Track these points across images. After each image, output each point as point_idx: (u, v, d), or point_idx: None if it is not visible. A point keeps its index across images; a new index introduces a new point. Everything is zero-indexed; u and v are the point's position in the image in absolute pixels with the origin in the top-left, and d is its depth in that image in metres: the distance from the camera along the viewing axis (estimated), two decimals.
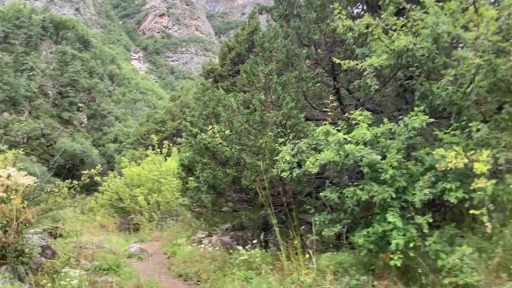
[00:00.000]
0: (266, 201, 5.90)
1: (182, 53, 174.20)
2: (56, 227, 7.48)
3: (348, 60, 5.79)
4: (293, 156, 5.19)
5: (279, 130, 5.79)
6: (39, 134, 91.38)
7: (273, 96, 6.12)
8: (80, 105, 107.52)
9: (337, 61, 5.94)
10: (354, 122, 5.19)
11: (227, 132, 6.75)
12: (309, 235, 5.13)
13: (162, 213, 10.60)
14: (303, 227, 6.22)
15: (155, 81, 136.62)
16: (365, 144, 4.87)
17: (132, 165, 13.01)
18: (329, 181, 5.31)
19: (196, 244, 7.33)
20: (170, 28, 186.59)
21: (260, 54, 6.85)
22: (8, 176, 4.24)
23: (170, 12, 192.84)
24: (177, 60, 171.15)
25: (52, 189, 5.68)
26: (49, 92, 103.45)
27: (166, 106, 33.94)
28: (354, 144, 4.84)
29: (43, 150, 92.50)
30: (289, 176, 5.17)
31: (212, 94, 9.84)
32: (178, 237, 8.18)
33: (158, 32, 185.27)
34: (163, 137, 28.04)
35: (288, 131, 5.89)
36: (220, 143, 6.71)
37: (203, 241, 7.26)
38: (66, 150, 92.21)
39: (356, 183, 4.99)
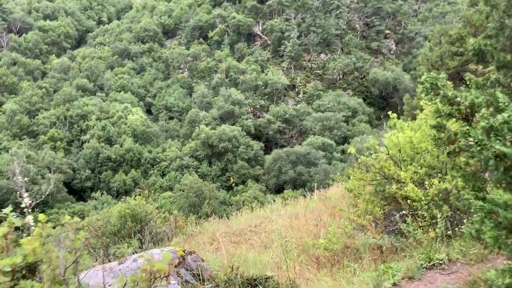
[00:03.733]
0: None
1: None
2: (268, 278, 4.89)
3: None
4: None
5: None
6: (352, 68, 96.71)
7: None
8: (387, 32, 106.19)
9: None
10: None
11: None
12: None
13: (452, 211, 6.32)
14: None
15: None
16: None
17: (401, 125, 8.38)
18: None
19: None
20: None
21: None
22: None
23: None
24: None
25: None
26: (356, 25, 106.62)
27: (462, 15, 25.17)
28: None
29: (357, 83, 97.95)
30: None
31: None
32: None
33: None
34: (462, 62, 21.83)
35: None
36: None
37: None
38: (379, 80, 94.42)
39: None
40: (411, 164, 7.40)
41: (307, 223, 8.63)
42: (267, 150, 73.71)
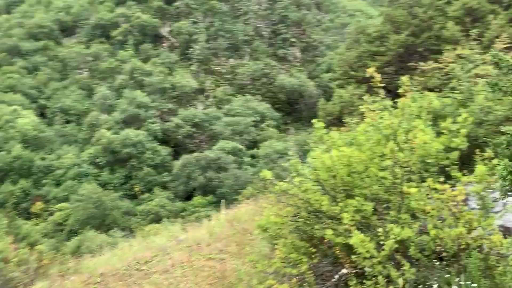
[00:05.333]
0: None
1: None
2: None
3: None
4: None
5: None
6: (261, 74, 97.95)
7: None
8: (292, 40, 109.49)
9: None
10: None
11: None
12: None
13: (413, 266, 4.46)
14: None
15: (363, 0, 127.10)
16: None
17: (330, 138, 5.84)
18: None
19: None
20: None
21: None
22: None
23: None
24: None
25: None
26: (264, 32, 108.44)
27: (383, 12, 24.68)
28: None
29: (266, 89, 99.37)
30: None
31: None
32: None
33: None
34: (385, 62, 21.22)
35: None
36: None
37: None
38: (285, 86, 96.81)
39: None
40: (350, 196, 5.14)
41: (211, 254, 7.10)
42: (176, 155, 71.15)
